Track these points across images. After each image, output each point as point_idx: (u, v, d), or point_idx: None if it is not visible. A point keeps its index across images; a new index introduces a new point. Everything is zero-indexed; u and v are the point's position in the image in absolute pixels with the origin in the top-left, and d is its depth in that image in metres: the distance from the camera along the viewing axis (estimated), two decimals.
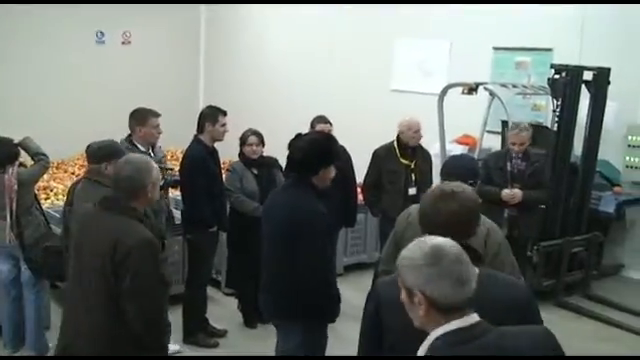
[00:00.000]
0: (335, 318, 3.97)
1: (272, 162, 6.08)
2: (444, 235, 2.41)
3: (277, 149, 6.35)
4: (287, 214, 3.81)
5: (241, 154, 5.96)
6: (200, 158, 5.57)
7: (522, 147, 6.15)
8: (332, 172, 3.94)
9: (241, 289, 6.14)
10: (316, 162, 3.87)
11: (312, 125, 6.12)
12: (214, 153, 5.76)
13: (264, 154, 6.03)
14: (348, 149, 6.29)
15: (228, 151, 6.56)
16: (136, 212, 3.26)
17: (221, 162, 5.96)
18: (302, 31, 10.94)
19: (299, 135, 4.10)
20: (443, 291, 1.99)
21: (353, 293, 6.63)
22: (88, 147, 4.52)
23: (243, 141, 5.93)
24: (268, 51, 11.53)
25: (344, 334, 5.92)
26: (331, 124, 6.12)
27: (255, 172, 5.92)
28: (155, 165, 3.42)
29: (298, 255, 3.72)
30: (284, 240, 3.79)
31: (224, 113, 5.72)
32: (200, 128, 5.69)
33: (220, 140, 5.76)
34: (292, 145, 3.97)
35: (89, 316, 3.19)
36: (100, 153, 4.42)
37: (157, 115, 5.49)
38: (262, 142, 5.97)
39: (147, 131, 5.40)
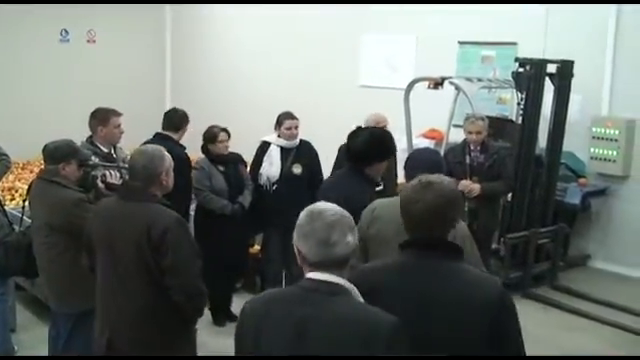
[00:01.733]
0: None
1: (237, 158, 6.07)
2: (422, 230, 2.49)
3: (245, 146, 6.37)
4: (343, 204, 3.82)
5: (207, 151, 5.93)
6: (184, 160, 5.60)
7: (479, 136, 6.16)
8: (384, 166, 4.18)
9: (209, 287, 6.06)
10: (374, 155, 4.10)
11: (279, 121, 6.11)
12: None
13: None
14: (318, 145, 6.31)
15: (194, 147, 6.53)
16: (157, 198, 3.46)
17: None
18: (269, 29, 10.92)
19: (359, 128, 4.38)
20: (309, 248, 2.28)
21: None
22: (45, 147, 4.45)
23: (212, 138, 5.87)
24: (236, 49, 11.49)
25: None
26: (298, 120, 6.12)
27: (222, 169, 5.90)
28: (167, 154, 3.58)
29: None
30: None
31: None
32: (177, 129, 5.87)
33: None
34: (353, 137, 4.23)
35: (131, 302, 3.39)
36: (58, 154, 4.35)
37: (119, 114, 5.38)
38: (229, 138, 5.96)
39: (109, 131, 5.29)
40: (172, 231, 3.32)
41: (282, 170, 6.06)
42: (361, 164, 4.10)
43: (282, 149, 6.10)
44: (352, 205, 3.58)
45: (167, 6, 12.43)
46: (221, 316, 6.04)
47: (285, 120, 6.08)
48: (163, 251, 3.30)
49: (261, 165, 6.12)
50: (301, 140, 6.16)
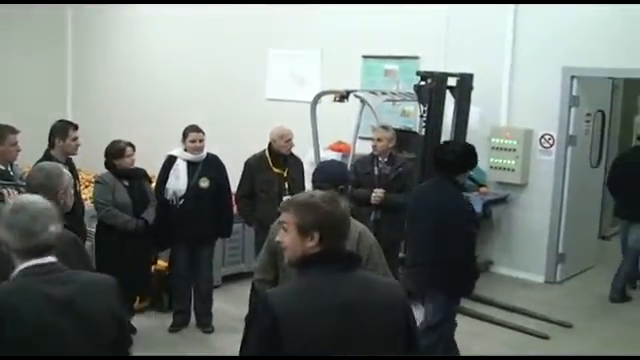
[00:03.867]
0: (470, 293, 5.10)
1: (142, 173, 5.97)
2: (343, 241, 2.47)
3: (151, 158, 6.27)
4: (440, 207, 4.71)
5: (112, 166, 5.80)
6: None
7: (379, 144, 6.24)
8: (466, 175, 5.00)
9: None
10: (466, 164, 4.88)
11: (185, 135, 6.04)
12: (67, 167, 5.61)
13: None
14: (224, 159, 6.26)
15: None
16: None
17: (92, 174, 5.80)
18: (176, 43, 10.81)
19: (447, 142, 5.30)
20: (8, 238, 2.46)
21: (231, 305, 6.62)
22: None
23: (120, 153, 5.74)
24: (141, 57, 11.30)
25: (222, 346, 5.89)
26: (204, 133, 6.06)
27: (126, 184, 5.79)
28: (67, 172, 3.48)
29: (449, 237, 4.63)
30: (438, 226, 4.68)
31: (75, 127, 5.75)
32: (50, 143, 5.63)
33: (74, 154, 5.76)
34: (442, 149, 5.05)
35: None
36: None
37: (16, 132, 5.28)
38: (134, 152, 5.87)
39: (5, 149, 5.17)
40: (67, 250, 3.18)
41: (189, 184, 5.98)
42: (454, 173, 4.80)
43: (189, 163, 6.02)
44: (450, 207, 4.69)
45: (69, 8, 12.05)
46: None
47: (190, 133, 6.02)
48: None
49: (167, 179, 6.02)
50: (208, 154, 6.10)
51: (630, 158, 7.50)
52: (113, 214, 5.68)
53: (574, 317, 6.71)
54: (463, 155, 4.90)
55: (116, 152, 5.76)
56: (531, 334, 6.30)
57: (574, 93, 7.73)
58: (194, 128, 6.06)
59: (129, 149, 5.79)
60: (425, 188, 5.14)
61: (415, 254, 5.03)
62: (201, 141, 6.02)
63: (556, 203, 7.88)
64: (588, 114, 8.09)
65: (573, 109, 7.77)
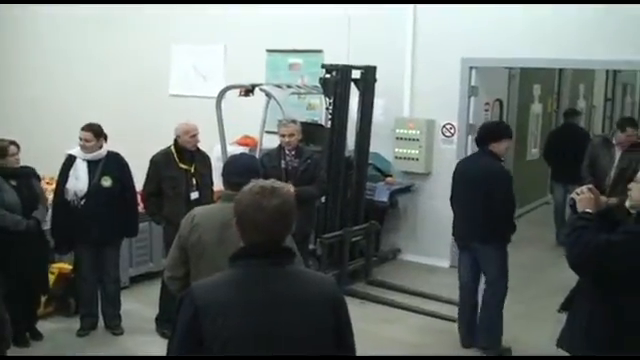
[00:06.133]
0: (509, 242, 5.66)
1: (30, 172, 5.78)
2: (267, 235, 2.42)
3: (53, 157, 6.07)
4: (482, 173, 5.51)
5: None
6: None
7: (292, 138, 6.25)
8: (504, 145, 5.58)
9: (9, 308, 5.59)
10: (485, 137, 5.60)
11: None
12: None
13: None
14: (127, 156, 6.11)
15: None
16: None
17: None
18: (78, 38, 10.53)
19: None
20: None
21: (141, 305, 6.50)
22: None
23: (3, 153, 5.53)
24: (40, 55, 10.94)
25: (133, 348, 5.79)
26: (94, 132, 5.81)
27: (14, 184, 5.59)
28: None
29: (492, 199, 5.40)
30: (481, 190, 5.46)
31: None
32: None
33: None
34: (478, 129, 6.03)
35: None
36: None
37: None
38: (19, 150, 5.66)
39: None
40: None
41: (90, 184, 5.80)
42: (483, 145, 5.57)
43: (89, 162, 5.85)
44: (491, 172, 5.47)
45: None
46: (24, 336, 5.67)
47: (80, 131, 5.85)
48: None
49: (67, 180, 5.83)
50: (109, 152, 5.93)
51: (561, 132, 9.42)
52: (2, 215, 5.46)
53: None
54: (483, 129, 5.82)
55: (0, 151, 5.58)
56: (442, 318, 6.44)
57: (473, 83, 7.96)
58: (82, 127, 5.87)
59: (12, 148, 5.60)
60: (469, 159, 6.05)
61: (464, 212, 5.73)
62: (87, 140, 5.82)
63: None
64: (487, 103, 8.37)
65: (472, 99, 8.01)
